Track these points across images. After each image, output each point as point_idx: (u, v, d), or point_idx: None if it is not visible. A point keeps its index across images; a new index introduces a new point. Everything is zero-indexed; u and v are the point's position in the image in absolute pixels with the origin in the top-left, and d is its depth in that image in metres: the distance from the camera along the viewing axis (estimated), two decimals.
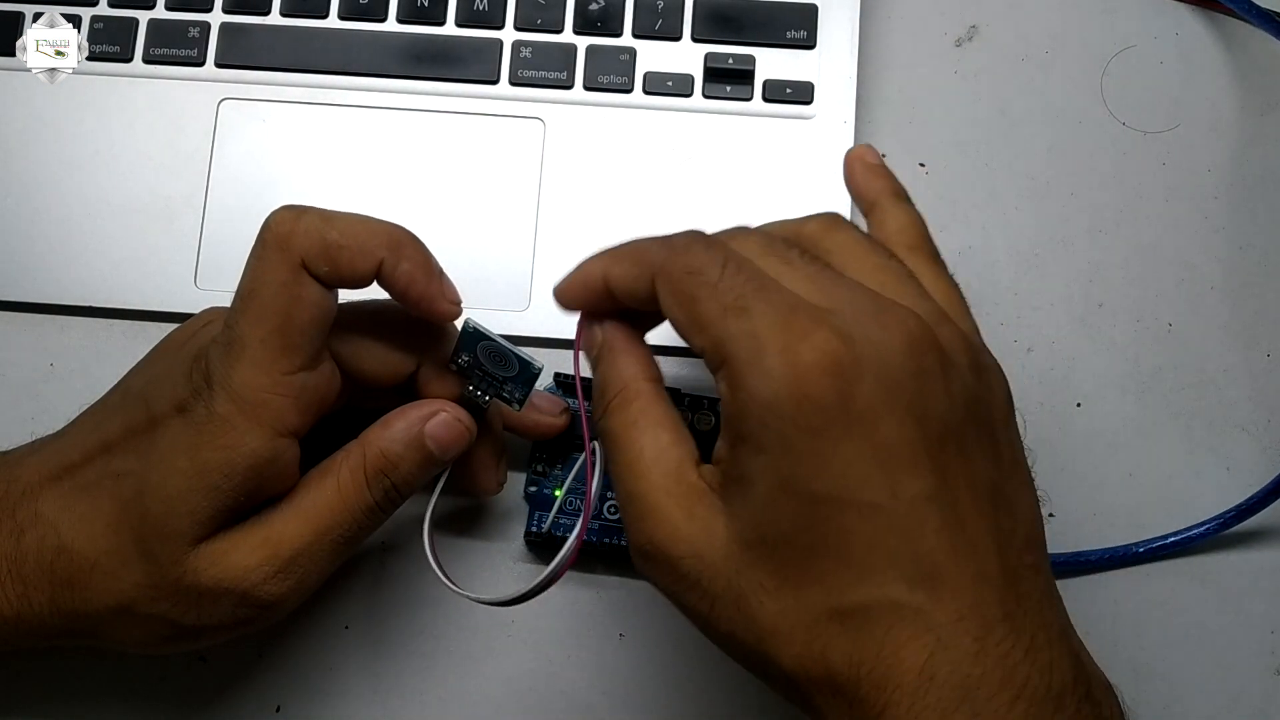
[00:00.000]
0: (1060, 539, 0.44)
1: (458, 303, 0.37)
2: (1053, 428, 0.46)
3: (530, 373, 0.38)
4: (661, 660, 0.43)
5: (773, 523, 0.30)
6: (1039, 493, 0.33)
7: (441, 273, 0.37)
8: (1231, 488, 0.45)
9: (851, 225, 0.35)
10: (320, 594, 0.43)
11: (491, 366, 0.38)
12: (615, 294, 0.34)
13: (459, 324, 0.38)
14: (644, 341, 0.36)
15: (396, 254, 0.35)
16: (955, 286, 0.35)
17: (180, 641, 0.36)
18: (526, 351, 0.37)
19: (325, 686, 0.43)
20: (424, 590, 0.44)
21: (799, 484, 0.30)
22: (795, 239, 0.33)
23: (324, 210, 0.35)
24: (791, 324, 0.30)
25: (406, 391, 0.39)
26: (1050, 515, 0.45)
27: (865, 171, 0.38)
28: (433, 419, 0.37)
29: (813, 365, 0.30)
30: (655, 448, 0.33)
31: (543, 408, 0.42)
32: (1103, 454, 0.45)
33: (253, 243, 0.35)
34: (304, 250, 0.34)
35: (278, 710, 0.43)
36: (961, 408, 0.31)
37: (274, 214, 0.35)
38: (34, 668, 0.43)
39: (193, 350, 0.36)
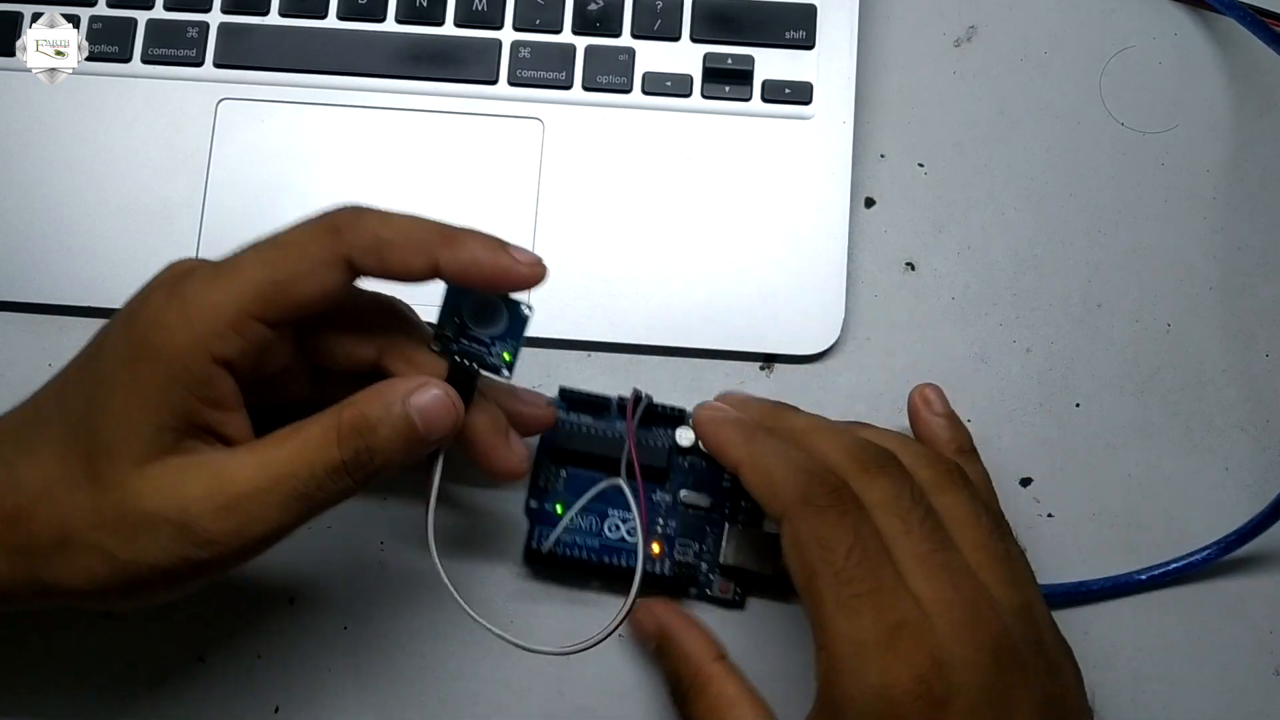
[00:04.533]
0: (1059, 539, 0.44)
1: (537, 262, 0.36)
2: (1052, 428, 0.46)
3: (520, 316, 0.37)
4: None
5: None
6: None
7: (508, 244, 0.36)
8: (1230, 487, 0.45)
9: (966, 484, 0.37)
10: (319, 594, 0.43)
11: (477, 327, 0.37)
12: (740, 476, 0.37)
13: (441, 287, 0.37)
14: (696, 620, 0.40)
15: (453, 246, 0.35)
16: (1023, 556, 0.37)
17: (123, 591, 0.35)
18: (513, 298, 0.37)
19: (324, 687, 0.43)
20: (423, 591, 0.44)
21: None
22: (918, 493, 0.36)
23: (382, 210, 0.36)
24: (894, 643, 0.33)
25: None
26: (1050, 516, 0.45)
27: (945, 426, 0.43)
28: (418, 390, 0.36)
29: (907, 691, 0.32)
30: None
31: (527, 399, 0.41)
32: (1102, 454, 0.45)
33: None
34: (353, 245, 0.35)
35: (276, 711, 0.43)
36: (1036, 715, 0.33)
37: (336, 208, 0.36)
38: (33, 668, 0.43)
39: (172, 274, 0.36)
